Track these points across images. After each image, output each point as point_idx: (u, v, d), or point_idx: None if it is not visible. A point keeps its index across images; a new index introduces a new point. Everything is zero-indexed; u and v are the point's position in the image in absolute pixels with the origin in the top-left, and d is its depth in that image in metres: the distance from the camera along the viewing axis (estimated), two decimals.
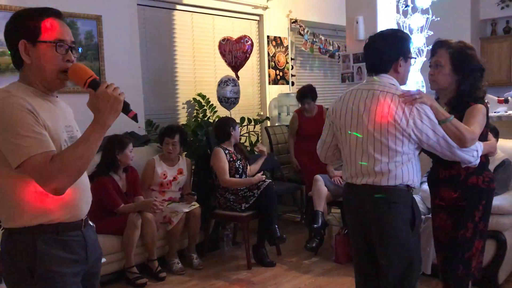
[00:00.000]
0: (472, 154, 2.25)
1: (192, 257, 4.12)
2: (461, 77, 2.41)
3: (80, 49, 1.72)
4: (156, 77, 5.18)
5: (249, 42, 5.29)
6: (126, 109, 1.58)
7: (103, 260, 2.97)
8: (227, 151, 4.28)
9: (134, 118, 1.61)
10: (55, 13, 1.65)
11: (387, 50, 2.27)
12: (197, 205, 4.14)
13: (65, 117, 1.71)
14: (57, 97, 1.72)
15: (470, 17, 7.92)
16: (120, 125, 4.40)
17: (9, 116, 1.47)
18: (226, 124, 4.39)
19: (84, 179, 1.72)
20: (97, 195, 3.78)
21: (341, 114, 2.33)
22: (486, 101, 2.48)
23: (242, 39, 5.28)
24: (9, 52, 1.66)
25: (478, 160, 2.30)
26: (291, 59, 6.60)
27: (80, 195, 1.68)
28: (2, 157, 1.50)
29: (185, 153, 4.80)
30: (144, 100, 4.97)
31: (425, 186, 3.86)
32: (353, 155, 2.29)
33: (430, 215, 3.52)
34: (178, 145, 4.21)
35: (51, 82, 1.63)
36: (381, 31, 2.43)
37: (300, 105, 5.15)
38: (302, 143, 5.08)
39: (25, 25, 1.60)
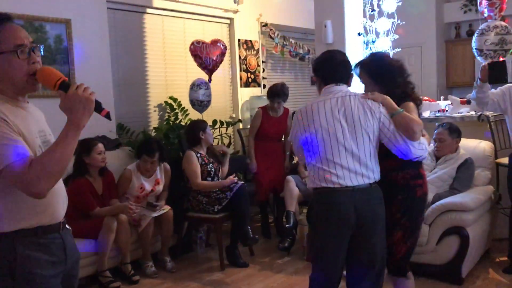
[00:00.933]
0: (421, 147, 2.47)
1: (166, 260, 4.13)
2: (385, 82, 2.60)
3: (41, 46, 1.70)
4: (127, 81, 5.17)
5: (224, 46, 5.39)
6: (98, 108, 1.59)
7: None
8: (199, 154, 4.31)
9: (107, 116, 1.62)
10: (5, 19, 1.62)
11: (350, 65, 2.56)
12: (168, 208, 4.15)
13: (37, 122, 1.71)
14: (27, 102, 1.71)
15: (435, 20, 8.18)
16: (91, 129, 4.41)
17: None
18: (196, 128, 4.39)
19: (59, 182, 1.72)
20: (72, 197, 3.75)
21: (315, 124, 2.41)
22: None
23: (218, 42, 5.35)
24: None
25: (426, 153, 2.54)
26: (262, 62, 6.68)
27: (57, 198, 1.70)
28: None
29: None
30: (115, 103, 4.94)
31: None
32: (337, 159, 2.37)
33: None
34: (157, 163, 4.18)
35: (22, 88, 1.63)
36: (336, 50, 2.70)
37: (269, 102, 4.94)
38: (260, 144, 4.90)
39: None
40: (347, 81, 2.54)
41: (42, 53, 1.69)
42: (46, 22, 4.38)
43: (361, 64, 2.69)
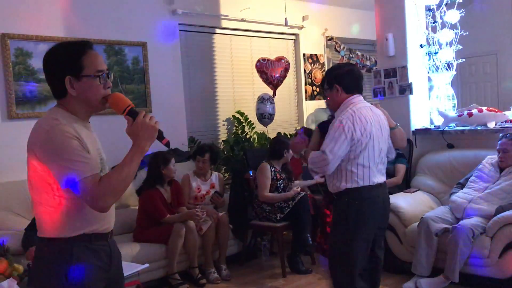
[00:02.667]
0: None
1: (222, 267, 4.31)
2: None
3: (110, 73, 1.85)
4: (198, 97, 5.54)
5: (287, 62, 5.63)
6: (160, 136, 1.73)
7: (146, 265, 3.30)
8: (273, 169, 4.48)
9: (167, 145, 1.75)
10: (90, 46, 1.79)
11: None
12: (224, 212, 4.41)
13: (96, 141, 1.87)
14: (89, 122, 1.86)
15: None
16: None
17: (60, 142, 1.63)
18: (282, 145, 4.52)
19: None
20: (145, 207, 4.17)
21: (366, 129, 2.66)
22: None
23: (281, 59, 5.60)
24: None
25: None
26: None
27: (111, 211, 1.82)
28: (49, 177, 1.66)
29: (224, 167, 5.10)
30: (186, 118, 5.33)
31: (454, 197, 3.97)
32: (372, 160, 2.69)
33: (456, 225, 3.64)
34: (208, 163, 4.52)
35: (95, 107, 1.79)
36: (352, 64, 3.07)
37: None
38: None
39: (68, 62, 1.73)
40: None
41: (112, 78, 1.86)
42: (125, 45, 4.85)
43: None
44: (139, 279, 3.27)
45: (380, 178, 2.74)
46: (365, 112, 2.68)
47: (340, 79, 2.73)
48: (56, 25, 4.41)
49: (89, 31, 4.56)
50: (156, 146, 1.79)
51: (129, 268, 3.15)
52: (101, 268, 1.77)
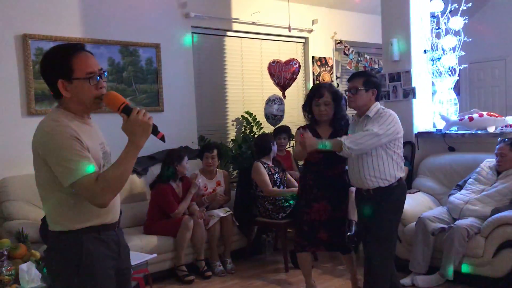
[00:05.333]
0: None
1: (227, 261, 4.51)
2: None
3: (105, 73, 1.89)
4: (208, 97, 5.73)
5: (297, 64, 5.76)
6: (155, 131, 1.78)
7: (154, 255, 3.50)
8: (266, 165, 4.66)
9: (162, 138, 1.80)
10: (80, 49, 1.84)
11: None
12: (230, 211, 4.60)
13: (98, 136, 1.94)
14: (90, 118, 1.93)
15: None
16: (177, 140, 4.99)
17: (60, 143, 1.72)
18: (268, 140, 4.77)
19: None
20: (157, 200, 4.39)
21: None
22: None
23: (291, 61, 5.75)
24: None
25: None
26: (337, 77, 6.95)
27: (116, 202, 1.93)
28: (54, 175, 1.75)
29: (232, 165, 5.28)
30: (197, 117, 5.52)
31: (452, 198, 4.11)
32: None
33: (452, 225, 3.78)
34: (216, 159, 4.74)
35: (89, 107, 1.86)
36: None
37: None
38: None
39: (59, 66, 1.80)
40: None
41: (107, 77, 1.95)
42: (139, 46, 5.06)
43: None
44: (147, 268, 3.46)
45: None
46: None
47: (378, 87, 3.26)
48: (75, 27, 4.62)
49: (105, 32, 4.78)
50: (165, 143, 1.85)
51: (138, 258, 3.35)
52: (110, 257, 1.87)
